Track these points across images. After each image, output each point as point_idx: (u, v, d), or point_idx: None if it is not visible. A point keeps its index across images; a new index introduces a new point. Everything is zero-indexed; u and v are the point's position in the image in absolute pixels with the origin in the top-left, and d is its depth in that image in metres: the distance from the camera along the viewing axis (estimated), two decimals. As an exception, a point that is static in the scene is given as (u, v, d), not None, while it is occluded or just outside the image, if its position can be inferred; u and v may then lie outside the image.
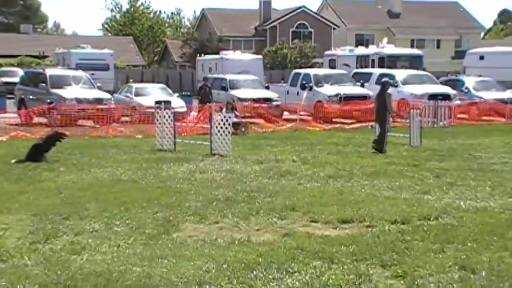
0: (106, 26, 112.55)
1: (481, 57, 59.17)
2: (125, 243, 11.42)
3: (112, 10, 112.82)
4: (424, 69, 49.49)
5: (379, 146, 24.11)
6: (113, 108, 35.96)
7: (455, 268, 10.11)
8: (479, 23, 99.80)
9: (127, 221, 12.94)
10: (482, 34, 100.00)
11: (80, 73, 42.41)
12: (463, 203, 14.93)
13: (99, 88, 40.04)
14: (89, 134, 29.65)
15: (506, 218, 13.47)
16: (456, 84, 44.65)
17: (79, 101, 36.06)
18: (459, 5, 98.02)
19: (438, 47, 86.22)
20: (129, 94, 40.56)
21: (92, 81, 40.61)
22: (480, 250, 11.02)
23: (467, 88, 43.51)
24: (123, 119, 34.59)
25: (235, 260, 10.39)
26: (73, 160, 21.33)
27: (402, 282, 9.52)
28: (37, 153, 21.10)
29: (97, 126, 32.12)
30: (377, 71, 46.47)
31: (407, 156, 22.77)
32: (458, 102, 39.69)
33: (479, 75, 48.26)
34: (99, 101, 36.60)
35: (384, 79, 24.00)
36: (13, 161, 20.75)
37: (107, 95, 38.80)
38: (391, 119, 25.55)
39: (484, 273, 9.85)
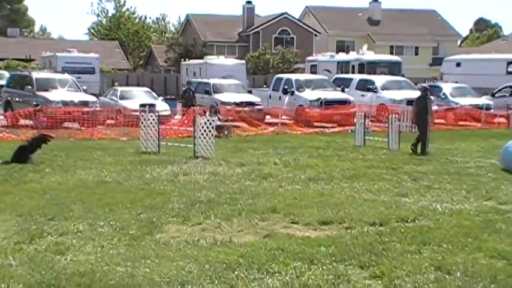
0: (92, 30, 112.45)
1: (458, 64, 59.57)
2: (109, 244, 11.41)
3: (98, 15, 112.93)
4: (402, 76, 49.70)
5: (423, 147, 24.81)
6: (98, 111, 35.93)
7: (431, 269, 10.17)
8: (456, 31, 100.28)
9: (111, 222, 12.92)
10: (459, 42, 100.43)
11: (66, 76, 42.30)
12: (439, 205, 15.01)
13: (85, 91, 39.87)
14: (75, 136, 29.58)
15: (480, 221, 13.56)
16: (434, 90, 44.77)
17: (65, 103, 35.88)
18: (437, 13, 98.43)
19: (416, 53, 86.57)
20: (114, 97, 40.57)
21: (78, 84, 40.42)
22: (455, 251, 11.09)
23: (444, 94, 43.70)
24: (108, 121, 34.53)
25: (217, 260, 10.40)
26: (58, 162, 21.29)
27: (380, 282, 9.56)
28: (23, 154, 21.05)
29: (82, 128, 32.06)
30: (357, 77, 46.75)
31: (386, 160, 22.82)
32: (435, 107, 39.78)
33: (456, 82, 48.51)
34: (84, 103, 36.53)
35: (424, 85, 23.96)
36: None
37: (93, 98, 38.74)
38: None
39: (458, 274, 9.91)
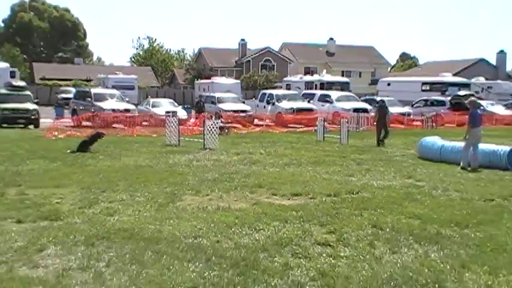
0: (133, 59, 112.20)
1: (388, 84, 59.95)
2: (143, 209, 11.44)
3: (137, 48, 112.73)
4: (350, 91, 49.69)
5: (378, 140, 25.82)
6: (136, 116, 36.07)
7: (369, 226, 10.22)
8: (387, 61, 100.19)
9: (145, 194, 12.95)
10: (389, 69, 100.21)
11: (114, 91, 42.77)
12: (375, 182, 15.05)
13: (127, 102, 40.15)
14: (120, 134, 29.54)
15: (403, 193, 13.60)
16: (372, 102, 44.86)
17: (113, 110, 36.11)
18: (374, 49, 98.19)
19: (360, 76, 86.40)
20: (147, 106, 40.43)
21: (122, 97, 40.81)
22: (386, 214, 11.14)
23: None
24: (143, 123, 34.49)
25: (220, 221, 10.42)
26: (109, 151, 21.26)
27: (333, 236, 9.58)
28: (84, 146, 21.12)
29: (125, 128, 32.02)
30: (319, 92, 46.81)
31: (339, 151, 22.81)
32: (373, 114, 39.78)
33: (387, 96, 48.52)
34: (127, 110, 36.77)
35: (381, 99, 24.25)
36: (68, 151, 20.70)
37: (133, 107, 38.96)
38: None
39: (388, 230, 9.95)
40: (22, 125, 33.52)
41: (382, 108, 27.02)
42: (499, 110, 45.16)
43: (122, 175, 15.65)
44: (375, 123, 27.58)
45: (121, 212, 11.14)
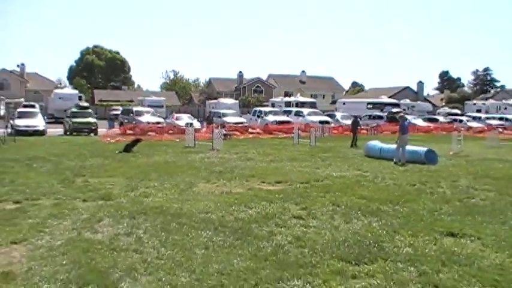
0: (162, 86, 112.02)
1: (344, 103, 59.98)
2: (170, 193, 11.38)
3: (165, 78, 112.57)
4: (317, 109, 49.68)
5: (353, 143, 25.90)
6: (164, 126, 35.85)
7: (330, 204, 10.19)
8: (342, 87, 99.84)
9: (171, 182, 12.87)
10: (344, 92, 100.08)
11: (149, 109, 42.28)
12: (335, 173, 15.00)
13: (158, 116, 39.92)
14: (153, 139, 29.39)
15: (354, 180, 13.57)
16: (332, 116, 44.88)
17: (148, 123, 35.91)
18: (333, 78, 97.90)
19: (323, 98, 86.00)
20: (172, 119, 40.21)
21: (155, 113, 40.54)
22: (342, 196, 11.12)
23: (337, 118, 43.75)
24: (169, 131, 34.30)
25: (224, 201, 10.39)
26: (145, 152, 21.13)
27: (305, 211, 9.56)
28: (128, 148, 20.99)
29: (157, 135, 31.87)
30: (294, 109, 46.62)
31: (309, 151, 22.76)
32: (333, 125, 39.86)
33: (343, 112, 48.61)
34: (158, 123, 36.48)
35: (355, 115, 24.46)
36: (116, 152, 20.59)
37: (162, 120, 38.59)
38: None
39: (343, 207, 9.91)
40: (86, 133, 33.53)
41: (355, 121, 27.74)
42: (419, 122, 45.31)
43: (154, 168, 15.57)
44: (350, 131, 27.93)
45: (154, 195, 11.06)
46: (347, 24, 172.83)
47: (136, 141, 22.13)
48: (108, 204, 10.05)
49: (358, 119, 28.71)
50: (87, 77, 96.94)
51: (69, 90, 63.44)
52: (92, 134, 33.45)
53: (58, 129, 34.96)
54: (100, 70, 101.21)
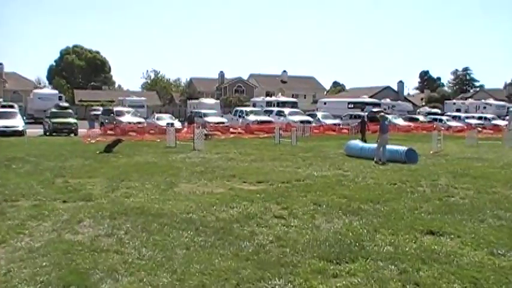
0: (143, 86, 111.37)
1: (325, 103, 60.10)
2: (151, 193, 11.35)
3: (146, 78, 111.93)
4: (298, 108, 49.77)
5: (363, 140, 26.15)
6: (145, 126, 35.68)
7: (311, 204, 10.24)
8: (323, 87, 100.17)
9: (152, 182, 12.84)
10: (325, 92, 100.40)
11: (130, 109, 41.98)
12: (316, 173, 15.08)
13: (139, 116, 39.62)
14: (134, 139, 29.20)
15: (335, 180, 13.64)
16: (313, 116, 45.01)
17: (129, 123, 35.68)
18: (314, 78, 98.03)
19: (305, 98, 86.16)
20: (153, 119, 39.89)
21: (135, 113, 40.21)
22: (323, 195, 11.17)
23: (318, 118, 43.87)
24: (150, 131, 34.11)
25: (205, 201, 10.38)
26: (126, 152, 21.01)
27: (286, 211, 9.58)
28: (109, 148, 20.89)
29: (137, 135, 31.67)
30: (275, 109, 46.69)
31: (290, 150, 22.82)
32: (314, 124, 40.02)
33: (324, 112, 48.81)
34: (139, 123, 36.27)
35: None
36: (97, 152, 20.44)
37: (143, 120, 38.33)
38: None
39: (324, 206, 9.99)
40: (66, 134, 33.26)
41: (363, 121, 29.04)
42: (400, 121, 45.73)
43: (135, 169, 15.50)
44: (359, 131, 29.29)
45: (135, 195, 11.02)
46: (327, 24, 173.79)
47: (117, 141, 22.00)
48: (88, 205, 9.97)
49: (366, 119, 29.41)
50: (67, 77, 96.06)
51: (48, 90, 62.89)
52: (72, 135, 33.21)
53: (38, 130, 34.55)
54: (80, 70, 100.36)
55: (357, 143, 21.21)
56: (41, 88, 71.65)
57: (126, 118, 37.24)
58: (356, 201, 10.46)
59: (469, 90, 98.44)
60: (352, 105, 55.87)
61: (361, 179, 13.87)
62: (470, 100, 69.35)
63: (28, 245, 7.30)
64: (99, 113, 46.45)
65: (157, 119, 39.78)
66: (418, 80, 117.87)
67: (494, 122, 48.17)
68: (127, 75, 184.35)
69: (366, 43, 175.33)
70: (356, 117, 46.78)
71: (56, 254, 6.83)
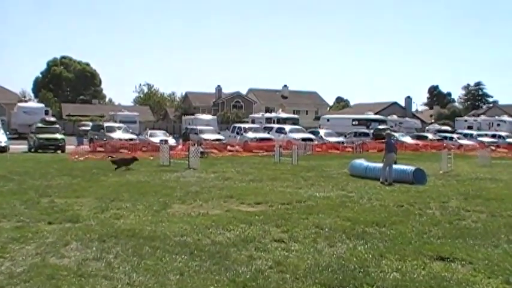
0: (135, 100, 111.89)
1: (328, 120, 60.43)
2: (142, 214, 11.32)
3: (138, 92, 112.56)
4: (299, 125, 49.90)
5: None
6: (138, 143, 35.70)
7: (313, 227, 10.21)
8: (327, 102, 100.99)
9: (144, 203, 12.81)
10: (328, 108, 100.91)
11: (121, 125, 42.16)
12: (318, 194, 15.06)
13: (131, 133, 39.67)
14: (125, 157, 29.17)
15: (338, 201, 13.64)
16: (315, 133, 45.15)
17: (120, 139, 35.71)
18: (317, 93, 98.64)
19: (306, 114, 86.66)
20: (146, 136, 39.90)
21: (127, 129, 40.27)
22: (326, 217, 11.16)
23: (320, 135, 43.97)
24: (143, 149, 34.12)
25: (200, 223, 10.35)
26: (116, 170, 21.02)
27: (286, 234, 9.56)
28: (120, 163, 21.59)
29: (129, 152, 31.61)
30: (276, 126, 46.83)
31: (291, 170, 22.82)
32: (316, 142, 40.09)
33: (327, 129, 48.94)
34: (131, 139, 36.26)
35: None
36: (93, 171, 20.43)
37: (135, 136, 38.40)
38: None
39: (327, 229, 9.97)
40: (52, 150, 33.27)
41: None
42: (407, 139, 45.87)
43: (126, 188, 15.48)
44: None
45: (125, 217, 11.01)
46: (331, 37, 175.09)
47: (133, 160, 22.42)
48: (76, 226, 9.95)
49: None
50: (54, 90, 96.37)
51: (34, 104, 63.03)
52: (59, 151, 33.21)
53: (22, 146, 34.62)
54: (68, 82, 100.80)
55: (362, 162, 21.21)
56: (26, 101, 71.82)
57: (117, 134, 37.30)
58: (360, 224, 10.45)
59: (481, 106, 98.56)
60: (356, 122, 56.16)
61: (366, 201, 13.87)
62: (483, 117, 69.40)
63: (9, 269, 7.26)
64: (89, 128, 46.51)
65: (151, 135, 39.83)
66: (427, 95, 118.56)
67: (508, 140, 48.14)
68: (118, 89, 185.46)
69: (372, 57, 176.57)
70: (361, 134, 47.02)
71: (39, 280, 6.80)
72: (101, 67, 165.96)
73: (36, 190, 14.74)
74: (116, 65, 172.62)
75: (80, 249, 8.34)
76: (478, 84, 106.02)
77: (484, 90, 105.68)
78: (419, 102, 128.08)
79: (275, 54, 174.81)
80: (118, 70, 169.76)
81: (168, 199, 13.49)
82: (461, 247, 8.80)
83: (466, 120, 67.57)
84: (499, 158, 31.53)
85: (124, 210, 11.73)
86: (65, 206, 12.15)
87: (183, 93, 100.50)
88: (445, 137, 48.90)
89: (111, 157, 20.93)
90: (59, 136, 34.97)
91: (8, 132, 37.26)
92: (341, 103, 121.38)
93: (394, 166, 18.72)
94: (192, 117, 59.06)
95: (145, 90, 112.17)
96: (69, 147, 33.40)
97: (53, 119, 54.20)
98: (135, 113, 62.14)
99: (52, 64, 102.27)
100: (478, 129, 59.54)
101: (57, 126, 41.08)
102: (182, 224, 10.24)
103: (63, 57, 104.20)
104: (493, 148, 38.07)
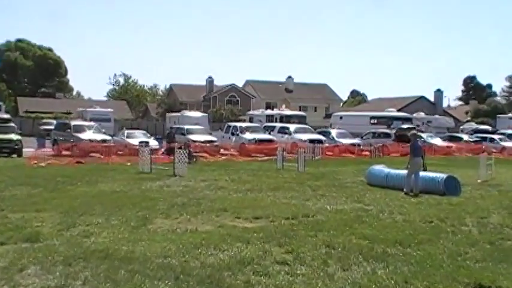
0: (109, 94, 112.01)
1: (341, 118, 60.32)
2: (118, 231, 11.33)
3: (113, 84, 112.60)
4: (306, 124, 49.93)
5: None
6: (112, 145, 35.66)
7: (323, 246, 10.23)
8: (339, 97, 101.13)
9: (119, 217, 12.82)
10: (341, 104, 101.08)
11: (92, 123, 42.04)
12: (329, 206, 15.09)
13: (104, 133, 39.65)
14: (97, 162, 29.25)
15: (353, 215, 13.70)
16: (326, 133, 45.23)
17: (91, 141, 35.65)
18: (327, 86, 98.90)
19: (315, 111, 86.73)
20: (122, 137, 39.98)
21: (100, 128, 40.23)
22: (338, 235, 11.17)
23: (332, 136, 44.06)
24: (119, 152, 34.11)
25: (188, 242, 10.35)
26: (86, 178, 21.05)
27: (291, 255, 9.57)
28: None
29: (102, 157, 31.66)
30: (278, 125, 46.92)
31: (296, 178, 22.86)
32: (327, 144, 40.15)
33: (340, 129, 48.97)
34: (104, 141, 36.19)
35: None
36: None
37: (109, 137, 38.31)
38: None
39: (340, 249, 9.97)
40: (6, 154, 33.20)
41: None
42: (437, 141, 45.93)
43: (98, 200, 15.50)
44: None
45: (97, 234, 11.01)
46: (345, 18, 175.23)
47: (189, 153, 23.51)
48: (35, 247, 9.93)
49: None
50: (8, 81, 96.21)
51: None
52: (15, 156, 33.13)
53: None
54: (26, 72, 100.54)
55: (382, 168, 21.22)
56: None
57: (87, 135, 37.23)
58: (380, 244, 10.46)
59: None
60: (375, 121, 56.14)
61: (386, 215, 13.90)
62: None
63: None
64: (52, 127, 46.36)
65: (128, 136, 39.84)
66: (462, 88, 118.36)
67: None
68: (89, 80, 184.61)
69: (394, 42, 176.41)
70: (380, 135, 47.06)
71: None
72: (66, 54, 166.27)
73: (-13, 203, 14.71)
74: (85, 51, 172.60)
75: (40, 275, 8.30)
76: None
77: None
78: (452, 96, 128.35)
79: (277, 38, 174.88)
80: (88, 58, 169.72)
81: (148, 213, 13.51)
82: (505, 273, 8.78)
83: (510, 118, 67.37)
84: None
85: (95, 227, 11.73)
86: (22, 222, 12.13)
87: (167, 86, 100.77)
88: (484, 138, 48.84)
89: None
90: (14, 137, 34.74)
91: None
92: (357, 98, 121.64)
93: (421, 173, 18.74)
94: (178, 114, 59.14)
95: (122, 82, 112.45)
96: (28, 151, 33.37)
97: (6, 116, 54.00)
98: (109, 110, 62.12)
99: (5, 49, 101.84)
100: (526, 128, 59.38)
101: (12, 124, 41.00)
102: (166, 243, 10.24)
103: (19, 41, 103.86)
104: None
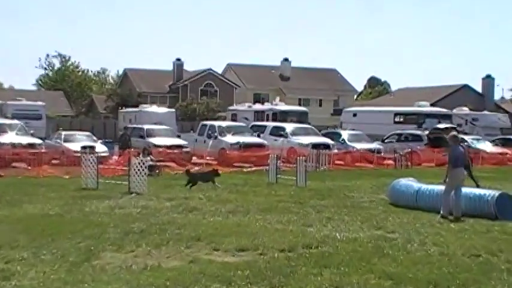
0: (40, 82, 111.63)
1: (354, 115, 60.46)
2: (50, 270, 11.23)
3: (45, 68, 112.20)
4: (308, 123, 50.00)
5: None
6: (43, 152, 35.52)
7: (331, 288, 10.22)
8: (353, 87, 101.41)
9: (53, 251, 12.72)
10: (355, 96, 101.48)
11: (15, 122, 41.78)
12: (338, 234, 15.05)
13: (32, 135, 39.38)
14: (22, 175, 29.07)
15: (372, 247, 13.67)
16: (334, 136, 45.34)
17: (13, 145, 35.46)
18: (337, 72, 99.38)
19: (320, 105, 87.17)
20: (58, 140, 39.82)
21: (26, 128, 40.01)
22: (351, 273, 11.15)
23: (343, 139, 44.20)
24: (53, 161, 33.97)
25: (147, 283, 10.33)
26: (6, 197, 20.91)
27: (287, 301, 9.57)
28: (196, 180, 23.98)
29: (29, 168, 31.51)
30: (271, 124, 46.95)
31: (295, 195, 22.85)
32: (336, 150, 40.21)
33: (353, 129, 49.06)
34: (31, 145, 36.07)
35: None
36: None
37: (39, 141, 38.14)
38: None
39: (354, 293, 9.97)
40: None
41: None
42: (486, 146, 45.87)
43: (23, 227, 15.39)
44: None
45: (21, 275, 10.89)
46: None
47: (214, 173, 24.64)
48: None
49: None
50: None
51: None
52: None
53: None
54: None
55: (410, 183, 21.22)
56: None
57: (8, 137, 37.07)
58: (409, 285, 10.47)
59: None
60: (401, 119, 56.26)
61: (417, 246, 13.88)
62: None
63: None
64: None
65: (66, 139, 39.69)
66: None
67: None
68: (10, 64, 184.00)
69: (425, 17, 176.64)
70: (408, 138, 47.10)
71: None
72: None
73: None
74: (4, 26, 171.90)
75: None
76: None
77: None
78: (506, 86, 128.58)
79: (269, 9, 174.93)
80: (9, 34, 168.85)
81: (94, 244, 13.43)
82: None
83: None
84: None
85: (18, 264, 11.62)
86: None
87: (121, 71, 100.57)
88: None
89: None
90: None
91: None
92: (376, 88, 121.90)
93: (466, 190, 18.74)
94: (136, 110, 59.18)
95: (57, 65, 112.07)
96: None
97: None
98: (40, 103, 61.67)
99: None
100: None
101: None
102: (117, 285, 10.20)
103: None
104: None
